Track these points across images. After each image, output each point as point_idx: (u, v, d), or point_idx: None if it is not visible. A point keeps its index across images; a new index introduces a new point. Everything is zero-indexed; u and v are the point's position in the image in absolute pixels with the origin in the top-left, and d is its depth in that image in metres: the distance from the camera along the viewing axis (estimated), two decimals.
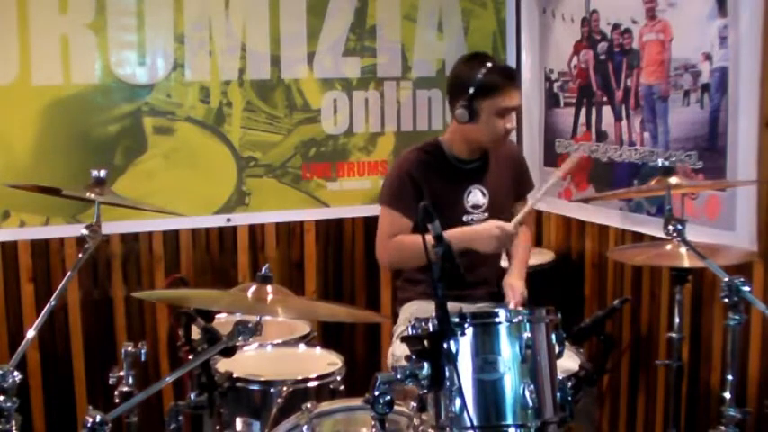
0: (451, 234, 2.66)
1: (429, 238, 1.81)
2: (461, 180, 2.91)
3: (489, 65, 2.80)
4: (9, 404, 1.99)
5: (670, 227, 2.39)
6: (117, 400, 2.29)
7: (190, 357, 2.09)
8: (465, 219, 2.90)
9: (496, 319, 1.87)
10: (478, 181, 2.92)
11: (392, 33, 3.87)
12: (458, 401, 1.79)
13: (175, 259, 3.63)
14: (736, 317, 2.28)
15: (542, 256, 3.70)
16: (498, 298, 2.93)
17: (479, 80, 2.77)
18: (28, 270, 3.41)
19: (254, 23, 3.63)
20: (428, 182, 2.85)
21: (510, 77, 2.84)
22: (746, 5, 2.80)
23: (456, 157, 2.92)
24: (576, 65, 3.67)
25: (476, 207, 2.91)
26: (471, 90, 2.77)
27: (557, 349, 1.92)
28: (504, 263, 3.12)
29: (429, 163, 2.89)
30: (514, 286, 2.87)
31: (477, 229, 2.79)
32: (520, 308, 2.65)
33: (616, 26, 3.41)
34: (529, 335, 1.84)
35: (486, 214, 2.91)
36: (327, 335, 3.49)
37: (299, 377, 2.51)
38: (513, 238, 2.82)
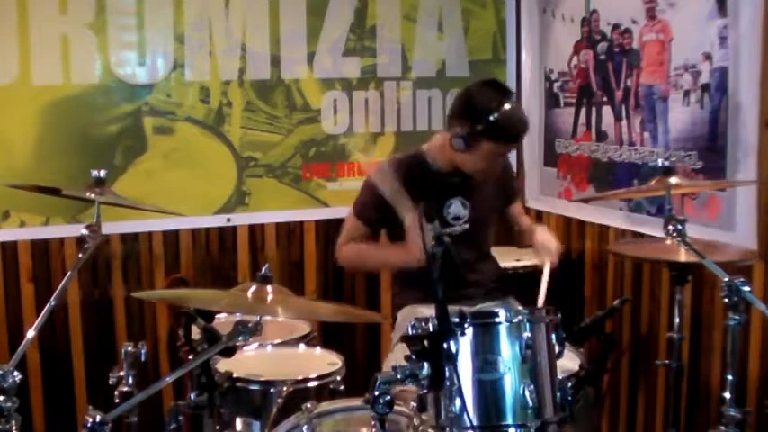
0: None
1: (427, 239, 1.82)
2: (442, 192, 2.87)
3: (507, 107, 2.69)
4: (9, 404, 1.99)
5: (670, 227, 2.39)
6: (117, 400, 2.29)
7: (190, 357, 2.09)
8: (445, 230, 2.85)
9: (496, 319, 1.87)
10: (460, 193, 2.88)
11: (392, 33, 3.87)
12: (458, 401, 1.79)
13: (175, 259, 3.63)
14: (736, 317, 2.28)
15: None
16: (497, 297, 2.93)
17: (493, 121, 2.67)
18: (28, 270, 3.41)
19: (254, 23, 3.63)
20: (407, 192, 2.82)
21: (520, 130, 2.78)
22: (746, 5, 2.81)
23: (439, 169, 2.89)
24: (576, 65, 3.67)
25: (456, 219, 2.88)
26: (480, 126, 2.68)
27: (557, 349, 1.92)
28: (503, 262, 3.13)
29: (408, 174, 2.84)
30: (547, 242, 2.89)
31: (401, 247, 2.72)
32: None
33: (616, 26, 3.41)
34: (529, 335, 1.84)
35: (467, 225, 2.89)
36: (327, 335, 3.49)
37: (299, 377, 2.51)
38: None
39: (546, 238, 2.93)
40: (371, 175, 2.91)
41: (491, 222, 3.01)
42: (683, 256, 2.61)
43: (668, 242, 2.66)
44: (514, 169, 3.50)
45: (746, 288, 2.22)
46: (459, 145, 2.74)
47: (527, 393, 1.81)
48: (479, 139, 2.70)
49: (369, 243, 2.92)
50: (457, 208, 2.89)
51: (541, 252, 2.90)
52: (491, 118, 2.66)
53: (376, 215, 2.86)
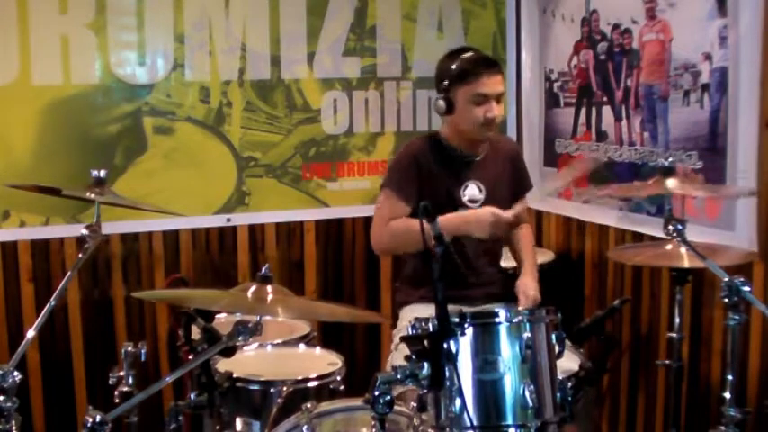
0: (448, 218, 2.68)
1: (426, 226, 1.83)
2: (459, 173, 2.91)
3: (465, 55, 2.84)
4: (9, 404, 1.99)
5: (670, 227, 2.39)
6: (117, 400, 2.29)
7: (190, 357, 2.09)
8: (461, 211, 2.90)
9: (496, 320, 1.87)
10: (476, 176, 2.92)
11: (392, 33, 3.87)
12: (458, 401, 1.79)
13: (175, 259, 3.63)
14: (736, 317, 2.28)
15: (542, 256, 3.68)
16: (498, 299, 2.93)
17: (453, 69, 2.80)
18: (28, 270, 3.41)
19: (254, 23, 3.63)
20: (431, 170, 2.86)
21: (483, 64, 2.82)
22: (746, 5, 2.81)
23: (455, 149, 2.92)
24: (576, 65, 3.67)
25: (472, 201, 2.91)
26: (447, 81, 2.80)
27: (557, 349, 1.92)
28: (505, 263, 3.13)
29: (433, 151, 2.90)
30: (528, 292, 2.82)
31: (473, 214, 2.78)
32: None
33: (616, 26, 3.41)
34: (529, 335, 1.84)
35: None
36: (327, 335, 3.49)
37: (299, 377, 2.51)
38: (507, 225, 2.80)
39: (529, 286, 2.86)
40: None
41: (505, 209, 3.01)
42: (684, 261, 2.61)
43: (668, 247, 2.67)
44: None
45: (746, 288, 2.22)
46: (440, 108, 2.84)
47: (527, 393, 1.81)
48: (452, 92, 2.80)
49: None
50: (473, 190, 2.91)
51: (519, 297, 2.83)
52: (454, 66, 2.81)
53: (417, 190, 2.83)
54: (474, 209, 2.89)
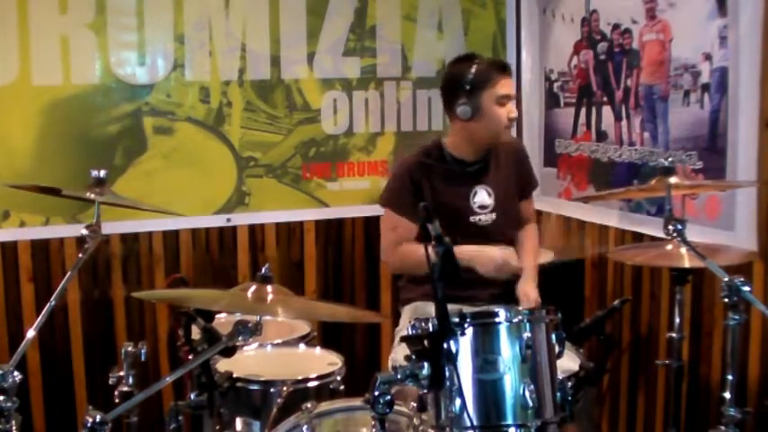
0: (459, 250, 2.68)
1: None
2: (466, 181, 2.91)
3: (478, 60, 2.87)
4: (9, 404, 2.00)
5: (670, 227, 2.39)
6: (117, 400, 2.29)
7: (190, 357, 2.09)
8: (472, 219, 2.90)
9: (496, 319, 1.87)
10: (483, 181, 2.93)
11: (392, 33, 3.87)
12: (458, 401, 1.79)
13: (175, 259, 3.63)
14: (736, 317, 2.28)
15: (542, 256, 3.68)
16: (501, 300, 2.92)
17: (473, 74, 2.81)
18: (28, 270, 3.41)
19: (254, 23, 3.63)
20: (431, 184, 2.86)
21: (501, 67, 2.89)
22: (746, 5, 2.81)
23: (459, 159, 2.92)
24: (576, 65, 3.67)
25: (483, 207, 2.91)
26: (468, 86, 2.80)
27: (557, 349, 1.92)
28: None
29: (431, 166, 2.90)
30: (529, 294, 2.85)
31: (481, 250, 2.78)
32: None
33: (616, 26, 3.41)
34: (529, 335, 1.84)
35: (494, 214, 2.92)
36: (327, 335, 3.49)
37: (299, 377, 2.51)
38: (514, 271, 2.84)
39: (529, 291, 2.88)
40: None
41: (515, 211, 3.02)
42: (684, 261, 2.61)
43: (669, 247, 2.67)
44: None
45: (746, 288, 2.22)
46: (466, 113, 2.83)
47: (527, 393, 1.81)
48: (478, 94, 2.81)
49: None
50: (482, 197, 2.92)
51: (521, 300, 2.86)
52: (472, 71, 2.82)
53: (417, 202, 2.82)
54: (485, 217, 2.90)
